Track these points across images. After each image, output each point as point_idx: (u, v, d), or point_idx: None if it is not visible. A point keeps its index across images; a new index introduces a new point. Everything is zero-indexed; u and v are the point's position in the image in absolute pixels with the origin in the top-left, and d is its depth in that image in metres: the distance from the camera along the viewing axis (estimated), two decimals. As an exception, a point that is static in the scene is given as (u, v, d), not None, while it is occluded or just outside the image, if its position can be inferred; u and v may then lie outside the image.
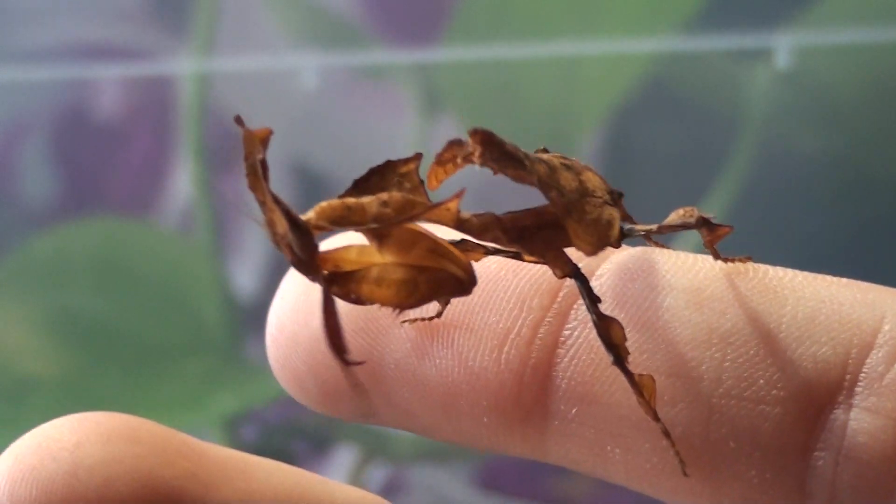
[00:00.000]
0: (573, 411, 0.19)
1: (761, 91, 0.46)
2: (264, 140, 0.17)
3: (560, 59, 0.48)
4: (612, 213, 0.19)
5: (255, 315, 0.50)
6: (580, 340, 0.19)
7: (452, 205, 0.17)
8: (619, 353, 0.18)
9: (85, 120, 0.54)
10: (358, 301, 0.17)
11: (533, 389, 0.19)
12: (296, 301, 0.20)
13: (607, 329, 0.18)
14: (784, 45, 0.45)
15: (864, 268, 0.48)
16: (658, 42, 0.47)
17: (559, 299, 0.19)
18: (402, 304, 0.17)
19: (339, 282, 0.17)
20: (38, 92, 0.54)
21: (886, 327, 0.18)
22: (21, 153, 0.55)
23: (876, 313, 0.19)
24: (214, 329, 0.50)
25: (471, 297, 0.18)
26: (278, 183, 0.57)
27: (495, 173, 0.18)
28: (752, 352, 0.18)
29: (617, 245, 0.19)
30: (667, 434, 0.18)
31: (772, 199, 0.47)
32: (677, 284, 0.19)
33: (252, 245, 0.53)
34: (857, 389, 0.18)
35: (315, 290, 0.19)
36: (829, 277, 0.19)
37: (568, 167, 0.18)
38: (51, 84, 0.54)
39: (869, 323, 0.18)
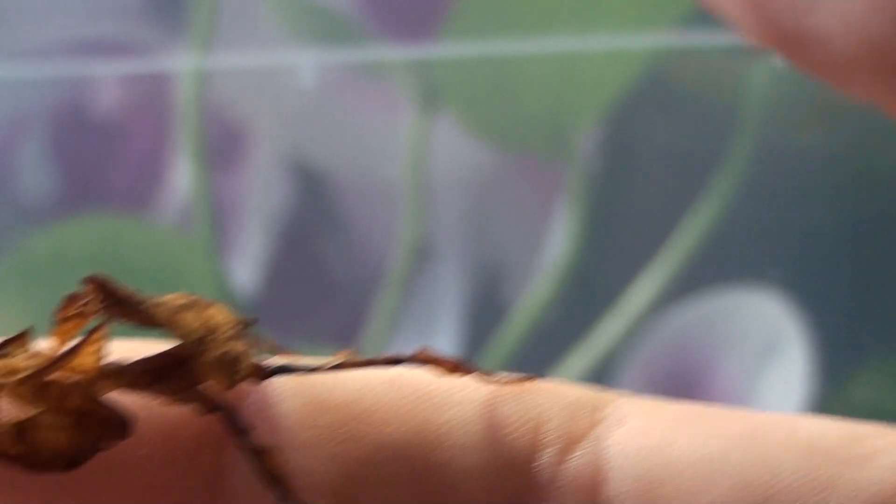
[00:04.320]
0: None
1: (760, 87, 0.46)
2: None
3: (558, 55, 0.48)
4: (238, 346, 0.18)
5: (253, 312, 0.50)
6: (240, 472, 0.18)
7: (94, 348, 0.17)
8: (287, 485, 0.17)
9: (82, 117, 0.54)
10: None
11: None
12: None
13: (267, 461, 0.17)
14: (782, 41, 0.45)
15: (864, 265, 0.48)
16: (656, 38, 0.47)
17: None
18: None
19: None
20: (35, 89, 0.54)
21: (549, 425, 0.18)
22: (19, 150, 0.55)
23: (534, 412, 0.18)
24: (213, 326, 0.50)
25: None
26: (277, 181, 0.57)
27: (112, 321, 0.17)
28: (421, 466, 0.18)
29: (258, 379, 0.18)
30: None
31: (770, 195, 0.47)
32: (331, 401, 0.18)
33: (251, 242, 0.53)
34: (533, 496, 0.18)
35: None
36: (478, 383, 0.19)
37: (189, 307, 0.18)
38: (48, 81, 0.54)
39: (529, 423, 0.18)
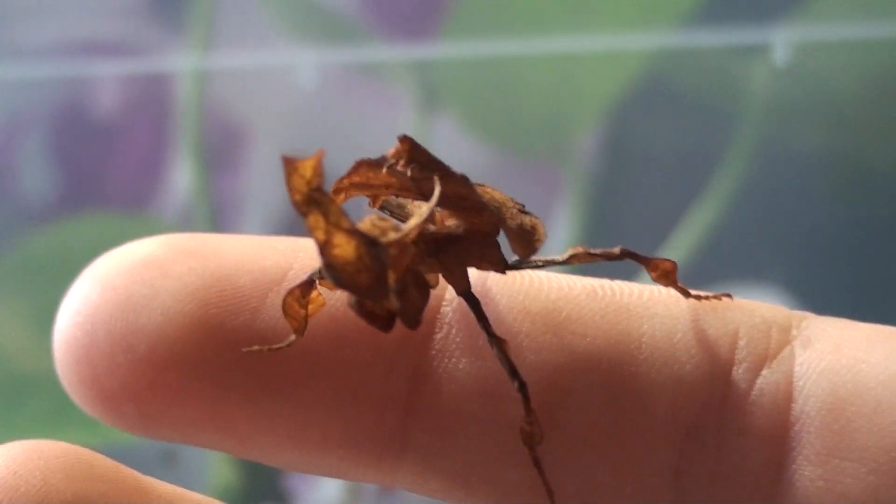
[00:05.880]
0: (435, 444, 0.18)
1: (759, 87, 0.46)
2: (316, 168, 0.16)
3: (557, 55, 0.48)
4: (531, 219, 0.19)
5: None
6: (441, 371, 0.18)
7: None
8: (522, 380, 0.17)
9: (83, 117, 0.54)
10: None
11: (392, 423, 0.18)
12: (111, 319, 0.19)
13: (505, 350, 0.17)
14: (782, 41, 0.45)
15: (864, 264, 0.48)
16: (655, 38, 0.47)
17: (417, 331, 0.18)
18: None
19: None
20: (35, 89, 0.54)
21: (742, 342, 0.18)
22: (19, 150, 0.55)
23: (729, 328, 0.18)
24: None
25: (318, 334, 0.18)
26: (277, 181, 0.57)
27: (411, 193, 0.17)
28: (616, 376, 0.18)
29: (502, 270, 0.18)
30: (538, 464, 0.18)
31: (770, 195, 0.47)
32: (532, 308, 0.19)
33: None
34: (725, 409, 0.18)
35: (131, 302, 0.18)
36: (678, 296, 0.19)
37: (472, 183, 0.18)
38: (48, 81, 0.54)
39: (724, 339, 0.18)
